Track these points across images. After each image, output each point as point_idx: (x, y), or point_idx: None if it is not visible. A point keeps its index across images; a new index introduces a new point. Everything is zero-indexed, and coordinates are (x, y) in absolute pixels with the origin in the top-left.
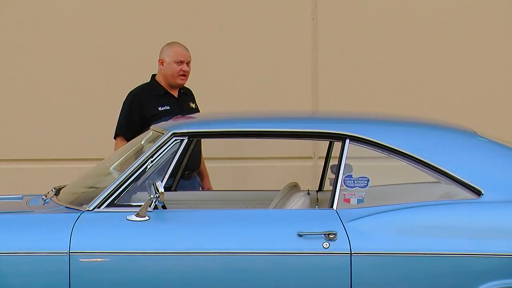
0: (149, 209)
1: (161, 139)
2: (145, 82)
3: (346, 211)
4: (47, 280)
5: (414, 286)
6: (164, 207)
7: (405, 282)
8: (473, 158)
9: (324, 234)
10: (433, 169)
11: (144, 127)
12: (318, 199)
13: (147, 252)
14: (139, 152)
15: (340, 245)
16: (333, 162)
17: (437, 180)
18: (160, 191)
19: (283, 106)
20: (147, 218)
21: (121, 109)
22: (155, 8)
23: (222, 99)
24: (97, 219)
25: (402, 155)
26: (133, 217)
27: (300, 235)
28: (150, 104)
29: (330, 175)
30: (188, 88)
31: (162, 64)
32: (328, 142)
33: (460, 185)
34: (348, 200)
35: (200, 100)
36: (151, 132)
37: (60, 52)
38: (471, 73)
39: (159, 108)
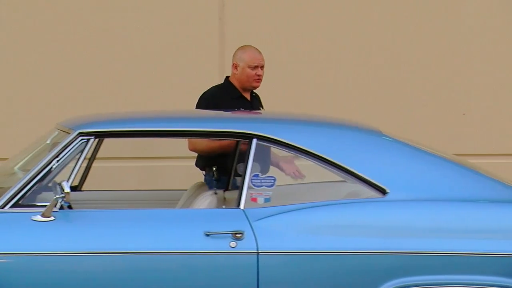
0: (54, 209)
1: (67, 138)
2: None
3: (253, 210)
4: None
5: (321, 284)
6: (70, 207)
7: (312, 280)
8: (378, 157)
9: (231, 234)
10: (339, 168)
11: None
12: (225, 198)
13: (52, 253)
14: (44, 151)
15: (247, 244)
16: (239, 161)
17: (343, 179)
18: (65, 191)
19: (190, 106)
20: (52, 218)
21: (197, 108)
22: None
23: (132, 100)
24: (1, 219)
25: (309, 155)
26: (38, 218)
27: (207, 235)
28: (227, 106)
29: (237, 174)
30: (256, 93)
31: (236, 69)
32: (236, 141)
33: (365, 184)
34: (255, 200)
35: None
36: (57, 131)
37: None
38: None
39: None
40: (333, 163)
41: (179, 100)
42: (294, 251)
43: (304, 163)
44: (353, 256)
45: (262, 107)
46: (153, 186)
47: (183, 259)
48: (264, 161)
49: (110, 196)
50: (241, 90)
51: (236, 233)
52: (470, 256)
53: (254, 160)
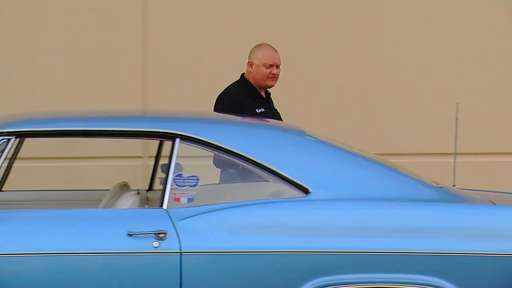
0: None
1: None
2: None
3: (176, 210)
4: None
5: (243, 283)
6: None
7: (235, 280)
8: (301, 157)
9: (154, 234)
10: (262, 168)
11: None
12: (148, 198)
13: None
14: None
15: (170, 244)
16: (164, 161)
17: (266, 179)
18: None
19: (113, 106)
20: None
21: (217, 110)
22: None
23: (53, 99)
24: None
25: (232, 154)
26: None
27: (130, 235)
28: (249, 106)
29: (160, 174)
30: (269, 90)
31: (251, 66)
32: (159, 141)
33: (288, 183)
34: (178, 199)
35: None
36: None
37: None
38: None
39: (257, 110)
40: (256, 162)
41: (102, 98)
42: (217, 251)
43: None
44: (276, 256)
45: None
46: (75, 186)
47: (106, 259)
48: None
49: (31, 196)
50: (257, 89)
51: (159, 233)
52: (392, 254)
53: (177, 160)
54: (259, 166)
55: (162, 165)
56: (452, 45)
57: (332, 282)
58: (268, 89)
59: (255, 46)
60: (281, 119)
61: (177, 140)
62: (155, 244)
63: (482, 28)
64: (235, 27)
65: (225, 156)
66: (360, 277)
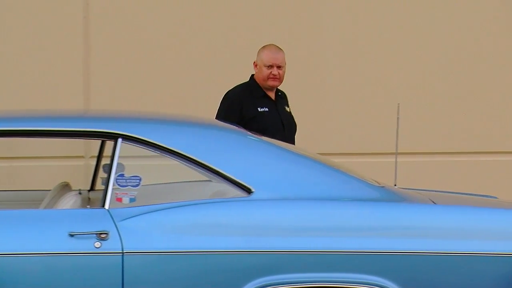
0: None
1: None
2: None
3: (118, 210)
4: None
5: (186, 283)
6: None
7: (177, 280)
8: (243, 157)
9: (96, 234)
10: (204, 168)
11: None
12: (90, 198)
13: None
14: None
15: (112, 245)
16: (106, 161)
17: (209, 179)
18: None
19: (55, 105)
20: None
21: (219, 109)
22: None
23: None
24: None
25: (175, 154)
26: None
27: (72, 235)
28: (251, 105)
29: (102, 174)
30: (283, 91)
31: (256, 67)
32: (101, 141)
33: (230, 183)
34: (120, 199)
35: None
36: None
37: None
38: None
39: (259, 109)
40: (199, 162)
41: (43, 98)
42: (159, 251)
43: (169, 162)
44: (218, 256)
45: (289, 108)
46: (15, 187)
47: (47, 260)
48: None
49: None
50: (264, 89)
51: (100, 233)
52: (334, 254)
53: (119, 160)
54: (201, 166)
55: (104, 165)
56: (393, 46)
57: (274, 281)
58: (282, 91)
59: (261, 47)
60: (291, 121)
61: (119, 140)
62: (97, 244)
63: (421, 29)
64: (176, 26)
65: (168, 156)
66: (301, 276)
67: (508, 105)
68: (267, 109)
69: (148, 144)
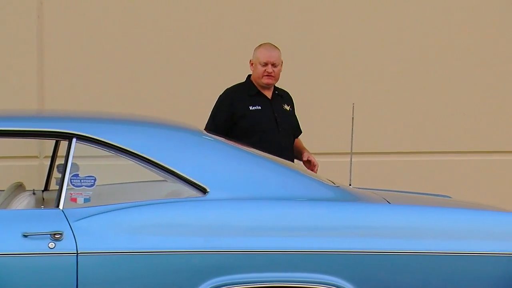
0: None
1: None
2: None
3: (73, 210)
4: None
5: (141, 284)
6: None
7: (132, 280)
8: (198, 156)
9: (50, 234)
10: (159, 168)
11: (233, 125)
12: (44, 199)
13: None
14: None
15: (66, 245)
16: (60, 161)
17: (164, 179)
18: None
19: (8, 105)
20: None
21: (214, 106)
22: None
23: None
24: None
25: (130, 154)
26: None
27: (25, 236)
28: (241, 103)
29: (56, 174)
30: (285, 91)
31: (252, 65)
32: (55, 141)
33: (185, 183)
34: (74, 200)
35: None
36: None
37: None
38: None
39: (250, 108)
40: (154, 162)
41: None
42: (114, 251)
43: (124, 162)
44: (173, 256)
45: (290, 106)
46: None
47: (0, 261)
48: (85, 161)
49: None
50: (259, 87)
51: (55, 234)
52: (288, 253)
53: (73, 160)
54: (156, 166)
55: (59, 165)
56: (349, 46)
57: (229, 281)
58: (284, 90)
59: (257, 46)
60: (287, 120)
61: (74, 140)
62: (51, 245)
63: (378, 31)
64: (130, 26)
65: (123, 156)
66: (257, 276)
67: (462, 105)
68: (259, 107)
69: (102, 144)
